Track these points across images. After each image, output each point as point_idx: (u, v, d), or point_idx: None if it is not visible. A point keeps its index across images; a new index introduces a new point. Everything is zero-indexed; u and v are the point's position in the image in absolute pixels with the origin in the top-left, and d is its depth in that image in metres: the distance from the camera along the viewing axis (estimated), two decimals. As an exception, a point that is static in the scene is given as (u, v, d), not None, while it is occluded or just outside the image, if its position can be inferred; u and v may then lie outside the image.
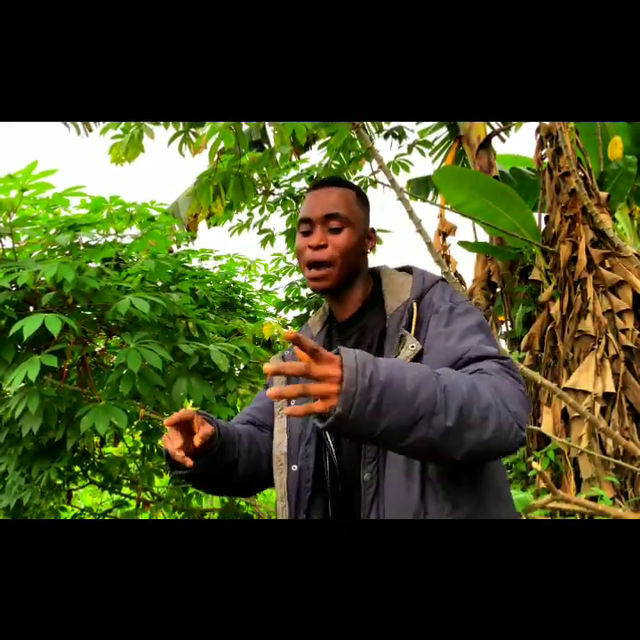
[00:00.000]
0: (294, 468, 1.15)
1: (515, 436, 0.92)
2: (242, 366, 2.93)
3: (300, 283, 4.73)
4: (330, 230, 1.16)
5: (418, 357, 1.04)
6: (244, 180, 3.24)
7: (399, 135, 3.97)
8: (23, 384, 2.14)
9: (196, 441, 1.03)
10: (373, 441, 0.87)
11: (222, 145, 2.89)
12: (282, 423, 1.20)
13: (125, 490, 3.32)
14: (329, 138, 3.53)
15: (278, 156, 3.62)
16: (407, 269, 1.23)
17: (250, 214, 4.65)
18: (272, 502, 5.23)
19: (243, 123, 3.04)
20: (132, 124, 2.93)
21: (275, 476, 1.18)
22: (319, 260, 1.14)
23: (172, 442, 1.04)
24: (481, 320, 1.09)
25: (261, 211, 4.59)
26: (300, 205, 4.56)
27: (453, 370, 0.95)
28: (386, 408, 0.82)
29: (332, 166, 4.01)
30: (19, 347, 2.25)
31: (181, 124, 3.00)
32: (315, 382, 0.81)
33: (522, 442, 0.95)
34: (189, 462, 1.02)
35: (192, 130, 3.05)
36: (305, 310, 4.49)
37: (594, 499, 2.90)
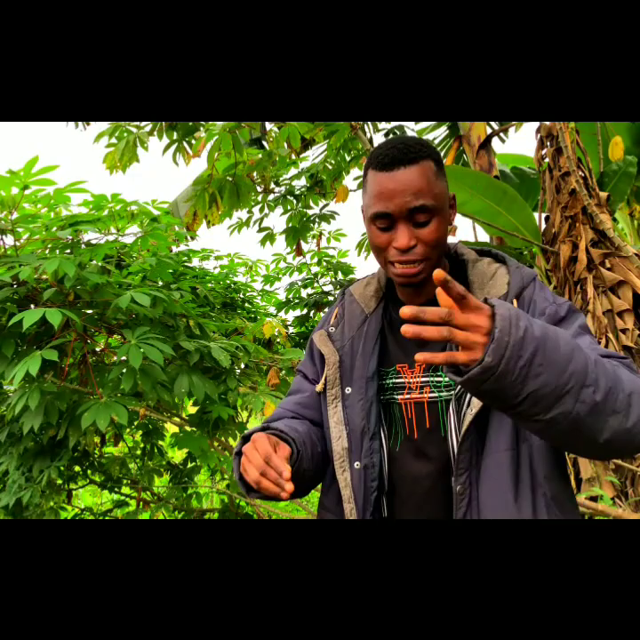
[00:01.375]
0: (357, 465, 1.04)
1: None
2: (242, 365, 2.93)
3: (300, 283, 4.73)
4: (415, 224, 0.99)
5: None
6: (240, 186, 3.28)
7: (399, 135, 3.98)
8: (23, 382, 2.15)
9: (286, 473, 0.88)
10: (511, 408, 0.76)
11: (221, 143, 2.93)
12: (337, 414, 1.07)
13: (125, 490, 3.33)
14: (326, 141, 3.57)
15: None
16: (492, 255, 1.10)
17: (249, 212, 4.66)
18: (272, 502, 5.21)
19: (241, 123, 3.08)
20: (125, 132, 3.00)
21: (337, 474, 1.06)
22: (410, 260, 1.00)
23: (260, 466, 0.89)
24: (585, 321, 1.01)
25: (261, 209, 4.60)
26: (299, 205, 4.56)
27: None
28: (537, 369, 0.74)
29: (328, 166, 4.02)
30: (19, 344, 2.25)
31: (175, 134, 3.07)
32: (458, 331, 0.73)
33: None
34: (290, 487, 0.88)
35: (185, 139, 3.11)
36: (305, 310, 4.48)
37: (594, 499, 2.90)
